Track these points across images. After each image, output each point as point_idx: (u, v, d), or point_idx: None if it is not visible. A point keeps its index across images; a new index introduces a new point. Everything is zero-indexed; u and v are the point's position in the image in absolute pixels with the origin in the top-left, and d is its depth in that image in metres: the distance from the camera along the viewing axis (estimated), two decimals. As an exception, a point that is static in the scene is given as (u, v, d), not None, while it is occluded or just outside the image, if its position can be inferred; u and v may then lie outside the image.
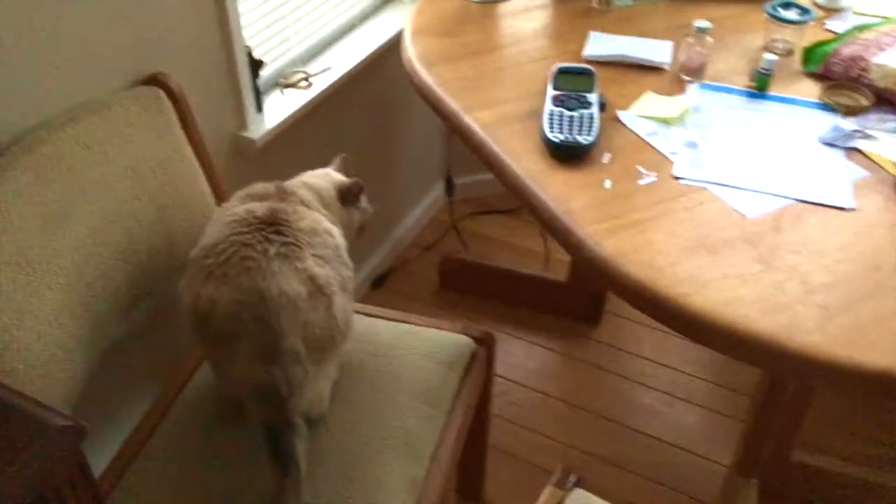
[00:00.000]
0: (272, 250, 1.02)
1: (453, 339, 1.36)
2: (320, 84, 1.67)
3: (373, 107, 1.99)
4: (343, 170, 1.33)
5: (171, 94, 1.25)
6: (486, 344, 1.40)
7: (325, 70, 1.70)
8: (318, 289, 1.03)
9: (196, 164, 1.29)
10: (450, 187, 2.32)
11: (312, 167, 1.30)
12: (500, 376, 1.98)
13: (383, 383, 1.25)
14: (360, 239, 1.31)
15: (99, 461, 1.14)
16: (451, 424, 1.27)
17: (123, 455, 1.17)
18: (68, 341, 1.03)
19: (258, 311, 0.99)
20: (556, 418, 1.89)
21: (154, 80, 1.24)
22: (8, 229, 0.97)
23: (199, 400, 1.23)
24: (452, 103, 1.34)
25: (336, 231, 1.14)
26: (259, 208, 1.08)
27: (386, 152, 2.15)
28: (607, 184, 1.16)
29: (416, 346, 1.32)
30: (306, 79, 1.67)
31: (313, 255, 1.06)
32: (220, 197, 1.32)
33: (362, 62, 1.78)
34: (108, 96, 1.17)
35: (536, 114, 1.29)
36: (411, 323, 1.39)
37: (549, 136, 1.21)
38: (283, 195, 1.14)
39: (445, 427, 1.26)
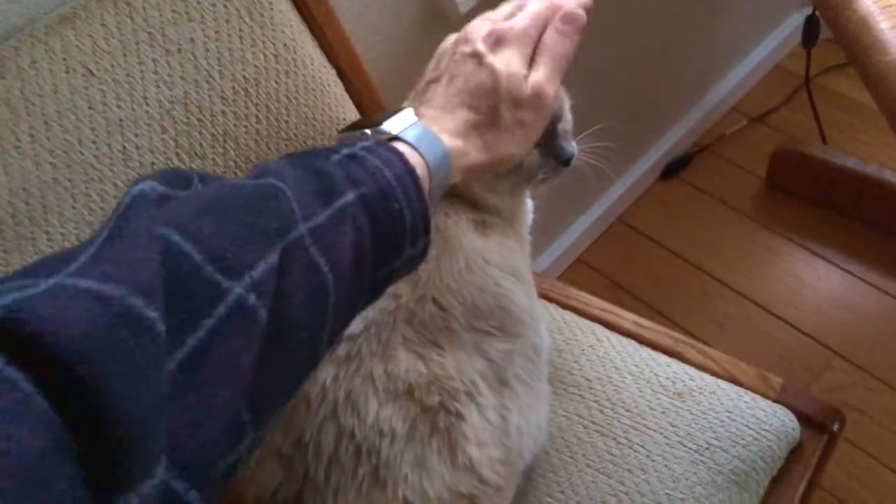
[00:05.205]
0: (402, 428, 0.53)
1: (758, 411, 0.73)
2: None
3: None
4: None
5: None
6: (825, 431, 0.75)
7: None
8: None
9: (327, 73, 0.73)
10: (810, 34, 1.45)
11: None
12: (848, 360, 1.28)
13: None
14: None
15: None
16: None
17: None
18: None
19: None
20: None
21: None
22: None
23: None
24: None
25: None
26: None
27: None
28: None
29: (692, 427, 0.72)
30: None
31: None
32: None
33: None
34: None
35: None
36: (689, 361, 0.78)
37: None
38: None
39: None
